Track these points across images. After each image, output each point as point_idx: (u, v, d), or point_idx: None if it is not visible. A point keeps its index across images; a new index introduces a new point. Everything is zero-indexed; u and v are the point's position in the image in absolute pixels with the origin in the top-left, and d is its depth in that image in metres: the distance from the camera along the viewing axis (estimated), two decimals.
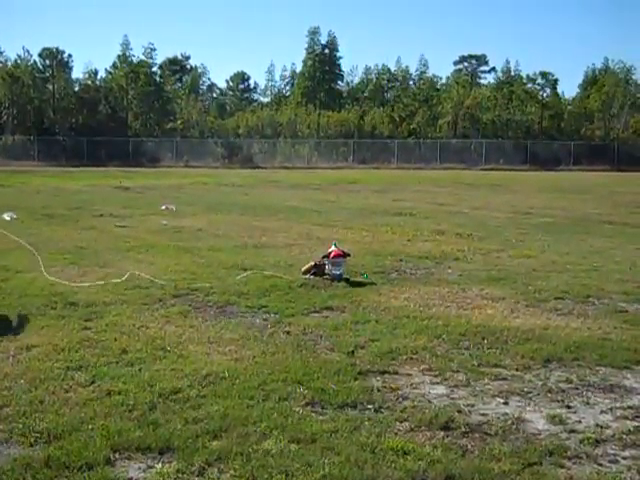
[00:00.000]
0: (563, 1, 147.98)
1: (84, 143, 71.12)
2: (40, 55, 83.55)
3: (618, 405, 5.83)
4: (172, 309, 8.88)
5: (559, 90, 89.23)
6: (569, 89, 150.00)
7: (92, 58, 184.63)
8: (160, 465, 4.64)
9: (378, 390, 6.05)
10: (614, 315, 8.82)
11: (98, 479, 4.40)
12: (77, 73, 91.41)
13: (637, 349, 7.28)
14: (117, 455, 4.77)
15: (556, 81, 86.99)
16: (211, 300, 9.41)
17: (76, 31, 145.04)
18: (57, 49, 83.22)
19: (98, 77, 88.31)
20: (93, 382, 6.09)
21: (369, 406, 5.69)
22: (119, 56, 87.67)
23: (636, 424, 5.43)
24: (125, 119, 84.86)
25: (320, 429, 5.19)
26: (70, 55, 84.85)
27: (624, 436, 5.20)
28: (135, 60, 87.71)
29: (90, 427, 5.14)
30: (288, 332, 7.88)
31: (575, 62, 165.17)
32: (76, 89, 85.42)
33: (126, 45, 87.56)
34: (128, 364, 6.60)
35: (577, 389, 6.20)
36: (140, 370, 6.41)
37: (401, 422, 5.40)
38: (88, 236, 15.67)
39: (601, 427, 5.37)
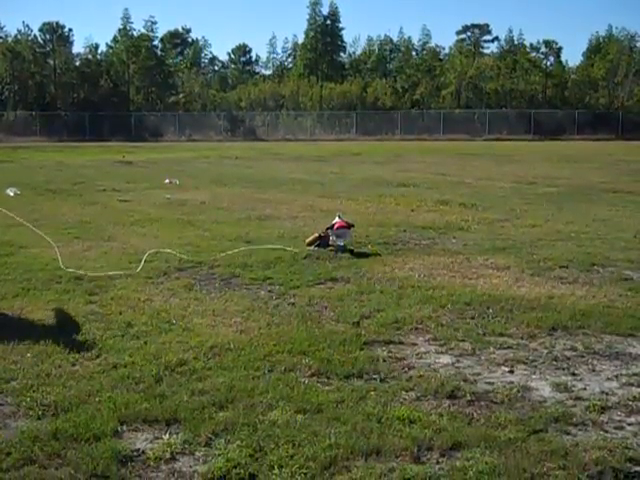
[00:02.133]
0: None
1: (86, 118, 70.99)
2: (40, 30, 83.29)
3: (623, 372, 5.83)
4: (177, 282, 8.88)
5: (563, 59, 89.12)
6: (573, 57, 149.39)
7: (93, 32, 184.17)
8: (167, 436, 4.66)
9: (384, 360, 6.05)
10: (619, 283, 8.80)
11: (105, 451, 4.42)
12: (78, 48, 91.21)
13: None
14: (124, 427, 4.78)
15: (560, 49, 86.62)
16: (216, 272, 9.41)
17: (76, 5, 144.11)
18: (57, 23, 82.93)
19: (99, 51, 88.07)
20: (99, 355, 6.11)
21: (375, 376, 5.70)
22: (120, 30, 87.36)
23: None
24: (127, 93, 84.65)
25: (326, 399, 5.20)
26: (70, 30, 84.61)
27: (629, 402, 5.20)
28: (136, 34, 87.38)
29: (97, 400, 5.16)
30: (293, 303, 7.89)
31: (579, 30, 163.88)
32: (77, 64, 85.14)
33: (127, 19, 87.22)
34: (134, 337, 6.61)
35: (582, 357, 6.20)
36: (146, 343, 6.42)
37: (407, 391, 5.41)
38: (92, 211, 15.68)
39: (606, 394, 5.37)
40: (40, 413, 4.97)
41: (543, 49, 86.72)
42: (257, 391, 5.34)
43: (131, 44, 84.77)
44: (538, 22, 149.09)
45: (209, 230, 12.88)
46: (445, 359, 6.16)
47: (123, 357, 6.04)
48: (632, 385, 5.56)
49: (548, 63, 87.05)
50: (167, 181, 22.32)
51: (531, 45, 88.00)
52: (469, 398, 5.28)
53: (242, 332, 6.79)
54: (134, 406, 5.05)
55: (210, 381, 5.53)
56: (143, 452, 4.47)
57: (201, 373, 5.70)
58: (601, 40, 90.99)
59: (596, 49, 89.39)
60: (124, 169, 29.74)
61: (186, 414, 4.93)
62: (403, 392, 5.39)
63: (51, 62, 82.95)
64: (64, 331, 6.79)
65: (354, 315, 7.33)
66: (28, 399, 5.18)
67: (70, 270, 9.32)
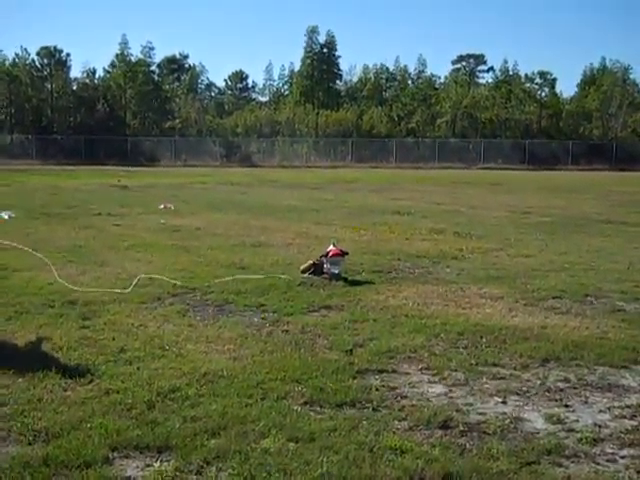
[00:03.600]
0: (561, 1, 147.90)
1: (82, 142, 71.19)
2: (38, 54, 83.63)
3: (616, 404, 5.84)
4: (170, 308, 8.88)
5: (557, 89, 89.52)
6: (567, 88, 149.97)
7: (90, 57, 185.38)
8: (158, 464, 4.64)
9: (376, 389, 6.04)
10: (612, 314, 8.82)
11: (96, 478, 4.40)
12: (75, 72, 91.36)
13: (635, 348, 7.28)
14: (115, 454, 4.76)
15: (554, 80, 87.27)
16: (209, 299, 9.41)
17: (74, 30, 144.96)
18: (55, 48, 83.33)
19: (96, 76, 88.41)
20: (91, 381, 6.08)
21: (367, 405, 5.69)
22: (117, 55, 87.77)
23: (634, 423, 5.43)
24: (123, 118, 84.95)
25: (318, 428, 5.19)
26: (68, 54, 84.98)
27: (622, 435, 5.20)
28: (133, 59, 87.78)
29: (88, 426, 5.14)
30: (286, 331, 7.89)
31: (573, 61, 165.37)
32: (74, 88, 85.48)
33: (124, 44, 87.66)
34: (126, 363, 6.60)
35: (575, 388, 6.20)
36: (138, 369, 6.41)
37: (399, 421, 5.40)
38: (86, 235, 15.66)
39: (599, 426, 5.37)
40: (31, 439, 4.94)
41: (538, 80, 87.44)
42: (249, 419, 5.33)
43: (128, 69, 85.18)
44: (533, 53, 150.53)
45: (203, 256, 12.88)
46: (438, 389, 6.15)
47: (115, 383, 6.02)
48: (625, 417, 5.56)
49: (543, 94, 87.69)
50: (162, 206, 22.34)
51: (526, 76, 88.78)
52: (461, 428, 5.28)
53: (235, 359, 6.78)
54: (126, 433, 5.03)
55: (202, 408, 5.51)
56: None
57: (194, 400, 5.69)
58: (595, 72, 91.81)
59: (590, 80, 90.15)
60: (119, 193, 29.77)
61: (178, 441, 4.91)
62: (395, 421, 5.39)
63: (48, 86, 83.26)
64: (56, 356, 6.76)
65: (347, 343, 7.33)
66: (19, 424, 5.15)
67: (61, 281, 9.34)
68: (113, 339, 7.37)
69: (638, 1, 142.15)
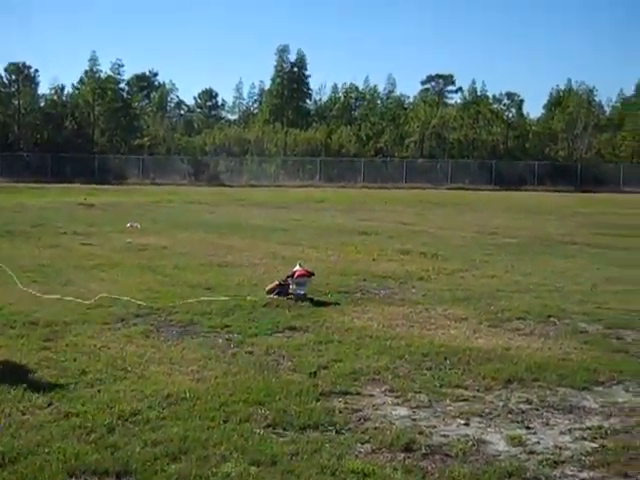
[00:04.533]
0: (527, 23, 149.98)
1: (49, 159, 70.49)
2: (6, 70, 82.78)
3: (577, 426, 5.88)
4: (134, 329, 8.81)
5: (524, 111, 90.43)
6: (534, 110, 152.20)
7: (59, 74, 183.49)
8: None
9: (340, 411, 6.04)
10: (575, 336, 8.90)
11: None
12: (43, 89, 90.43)
13: (597, 370, 7.35)
14: (73, 479, 4.70)
15: (521, 102, 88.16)
16: (174, 319, 9.35)
17: (43, 46, 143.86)
18: (24, 64, 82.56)
19: (65, 93, 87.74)
20: (51, 404, 6.01)
21: (330, 428, 5.67)
22: (86, 71, 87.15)
23: (594, 445, 5.47)
24: (91, 135, 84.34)
25: (281, 451, 5.16)
26: (37, 70, 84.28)
27: (582, 457, 5.24)
28: (103, 76, 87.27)
29: (46, 450, 5.07)
30: (251, 352, 7.86)
31: (540, 83, 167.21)
32: (42, 104, 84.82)
33: (94, 61, 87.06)
34: (87, 385, 6.52)
35: (537, 410, 6.24)
36: (99, 391, 6.34)
37: (362, 444, 5.39)
38: (51, 254, 15.51)
39: (560, 448, 5.41)
40: None
41: (505, 101, 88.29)
42: (211, 442, 5.29)
43: (97, 86, 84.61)
44: (500, 74, 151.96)
45: (169, 276, 12.82)
46: (401, 411, 6.16)
47: (75, 406, 5.94)
48: (585, 439, 5.59)
49: (510, 115, 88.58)
50: (129, 225, 22.19)
51: (494, 97, 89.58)
52: (424, 451, 5.28)
53: (198, 381, 6.74)
54: (84, 457, 4.97)
55: (164, 431, 5.47)
56: None
57: (155, 423, 5.63)
58: (561, 93, 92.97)
59: (556, 102, 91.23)
60: (86, 212, 29.52)
61: (138, 466, 4.86)
62: (358, 444, 5.38)
63: (15, 102, 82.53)
64: (16, 378, 6.66)
65: (312, 365, 7.31)
66: None
67: (25, 289, 9.22)
68: (74, 361, 7.29)
69: (604, 23, 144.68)
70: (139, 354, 7.63)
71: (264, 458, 5.04)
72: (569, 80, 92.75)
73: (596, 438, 5.62)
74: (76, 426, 5.51)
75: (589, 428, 5.83)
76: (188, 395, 6.26)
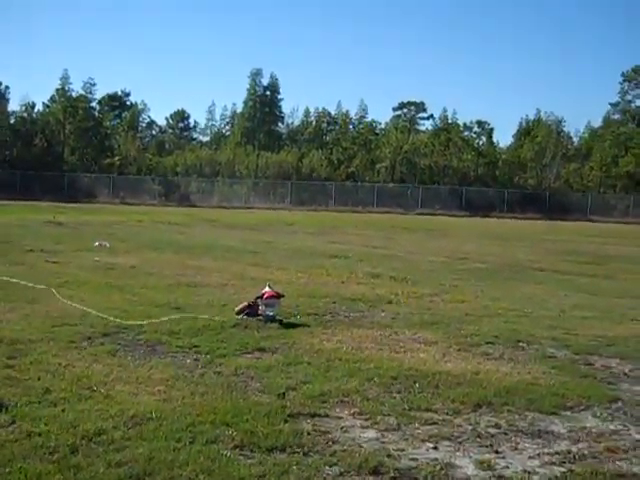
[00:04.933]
0: (498, 53, 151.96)
1: (17, 176, 69.85)
2: None
3: (545, 450, 5.87)
4: (100, 347, 8.68)
5: (494, 139, 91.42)
6: (504, 138, 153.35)
7: (30, 91, 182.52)
8: None
9: (308, 433, 5.98)
10: (543, 360, 8.92)
11: None
12: (14, 105, 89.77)
13: (565, 395, 7.36)
14: None
15: (492, 130, 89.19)
16: (141, 339, 9.24)
17: (14, 63, 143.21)
18: None
19: (35, 110, 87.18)
20: (13, 422, 5.88)
21: (298, 450, 5.61)
22: (58, 90, 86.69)
23: (563, 470, 5.46)
24: (61, 153, 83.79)
25: (248, 473, 5.09)
26: (7, 87, 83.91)
27: None
28: (74, 94, 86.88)
29: (7, 470, 4.95)
30: (219, 373, 7.78)
31: (510, 112, 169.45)
32: (12, 121, 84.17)
33: (65, 79, 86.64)
34: (51, 404, 6.40)
35: (506, 434, 6.22)
36: (63, 410, 6.22)
37: (330, 466, 5.34)
38: (17, 271, 15.27)
39: (528, 473, 5.39)
40: None
41: (476, 129, 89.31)
42: (177, 463, 5.21)
43: (68, 104, 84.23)
44: (471, 103, 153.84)
45: (137, 295, 12.69)
46: (370, 434, 6.11)
47: (38, 425, 5.82)
48: (554, 464, 5.59)
49: (480, 142, 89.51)
50: (97, 244, 21.97)
51: (464, 124, 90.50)
52: (392, 474, 5.25)
53: (165, 401, 6.64)
54: (47, 477, 4.87)
55: (129, 452, 5.37)
56: None
57: (120, 443, 5.53)
58: (530, 123, 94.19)
59: (526, 131, 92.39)
60: (54, 230, 29.22)
61: None
62: (326, 467, 5.32)
63: None
64: None
65: (280, 386, 7.25)
66: None
67: None
68: (38, 379, 7.16)
69: (572, 53, 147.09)
70: (105, 373, 7.52)
71: None
72: (538, 110, 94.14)
73: (564, 463, 5.62)
74: (39, 446, 5.40)
75: (557, 453, 5.83)
76: (154, 415, 6.16)
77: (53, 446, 5.40)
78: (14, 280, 13.65)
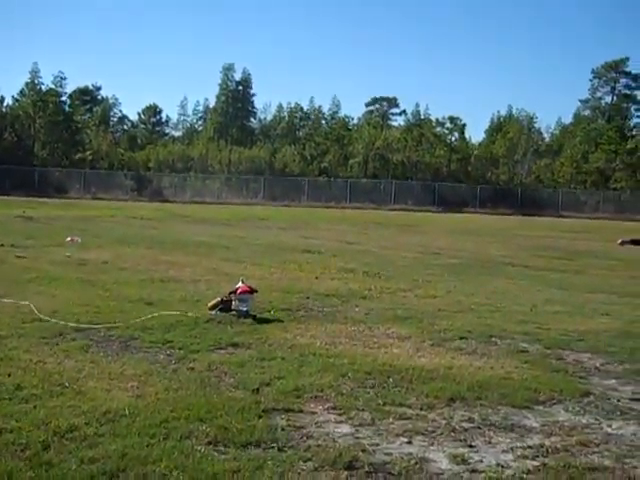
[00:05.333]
0: (471, 48, 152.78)
1: None
2: None
3: (518, 444, 5.90)
4: (72, 343, 8.60)
5: (466, 135, 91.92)
6: (476, 134, 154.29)
7: None
8: None
9: (282, 429, 5.96)
10: (516, 355, 8.98)
11: None
12: None
13: (537, 389, 7.41)
14: None
15: (464, 126, 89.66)
16: (114, 334, 9.17)
17: None
18: None
19: (4, 104, 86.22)
20: None
21: (273, 445, 5.60)
22: (27, 83, 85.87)
23: (536, 463, 5.49)
24: (32, 148, 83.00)
25: (222, 469, 5.07)
26: None
27: (524, 475, 5.25)
28: (44, 88, 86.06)
29: None
30: (192, 368, 7.74)
31: (482, 108, 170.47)
32: None
33: (35, 73, 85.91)
34: (22, 401, 6.33)
35: (479, 428, 6.25)
36: (35, 407, 6.15)
37: (305, 461, 5.33)
38: None
39: (502, 466, 5.41)
40: None
41: (448, 124, 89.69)
42: (150, 459, 5.17)
43: (38, 98, 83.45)
44: (444, 98, 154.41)
45: (110, 290, 12.59)
46: (344, 429, 6.11)
47: (9, 422, 5.75)
48: (527, 458, 5.62)
49: (453, 138, 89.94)
50: (69, 239, 21.78)
51: (437, 120, 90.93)
52: (367, 469, 5.24)
53: (138, 397, 6.59)
54: (18, 474, 4.81)
55: (102, 448, 5.32)
56: None
57: (92, 440, 5.49)
58: (502, 119, 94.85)
59: (497, 127, 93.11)
60: (24, 225, 28.95)
61: None
62: (301, 462, 5.31)
63: None
64: None
65: (254, 382, 7.23)
66: None
67: None
68: (9, 375, 7.07)
69: (543, 50, 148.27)
70: (77, 369, 7.45)
71: (205, 476, 4.94)
72: (510, 107, 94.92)
73: (537, 456, 5.65)
74: (10, 442, 5.34)
75: (530, 447, 5.86)
76: (127, 411, 6.12)
77: (25, 443, 5.34)
78: None
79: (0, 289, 12.19)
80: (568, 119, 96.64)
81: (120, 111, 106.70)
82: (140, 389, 6.85)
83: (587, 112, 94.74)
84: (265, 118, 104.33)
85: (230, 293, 10.95)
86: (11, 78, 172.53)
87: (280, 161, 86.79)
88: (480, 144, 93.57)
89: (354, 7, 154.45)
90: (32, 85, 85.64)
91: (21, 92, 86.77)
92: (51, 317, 9.87)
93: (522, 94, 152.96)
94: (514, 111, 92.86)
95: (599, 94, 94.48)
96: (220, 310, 10.70)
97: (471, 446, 5.83)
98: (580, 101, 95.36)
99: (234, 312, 10.66)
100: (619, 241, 15.08)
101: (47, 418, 5.86)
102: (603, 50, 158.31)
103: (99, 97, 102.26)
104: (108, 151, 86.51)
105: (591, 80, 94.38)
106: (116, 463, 5.06)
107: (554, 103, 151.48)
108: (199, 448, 5.44)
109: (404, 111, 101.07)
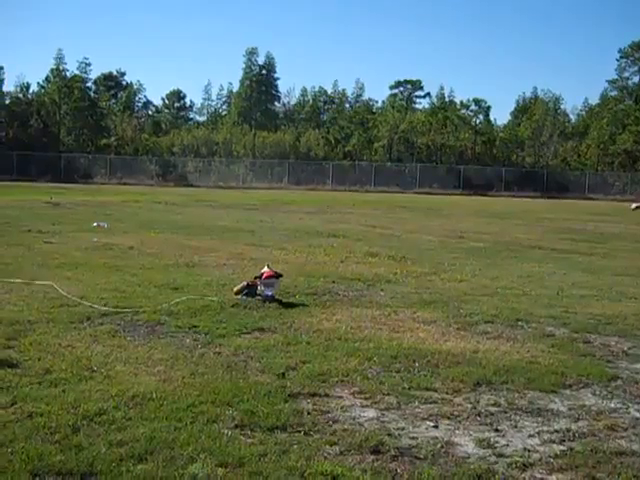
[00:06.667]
0: (495, 31, 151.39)
1: (14, 157, 69.69)
2: None
3: (545, 429, 5.88)
4: (100, 328, 8.68)
5: (491, 117, 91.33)
6: (501, 116, 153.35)
7: (24, 71, 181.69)
8: None
9: (308, 413, 5.99)
10: (542, 339, 8.93)
11: None
12: (9, 86, 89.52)
13: (564, 373, 7.38)
14: (37, 479, 4.60)
15: (489, 108, 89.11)
16: (141, 319, 9.24)
17: (8, 43, 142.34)
18: None
19: (30, 91, 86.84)
20: (14, 403, 5.89)
21: (299, 429, 5.62)
22: (52, 70, 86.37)
23: (562, 448, 5.48)
24: (57, 134, 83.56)
25: (248, 452, 5.10)
26: (1, 67, 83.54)
27: (551, 460, 5.24)
28: (69, 75, 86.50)
29: (9, 450, 4.96)
30: (218, 353, 7.78)
31: (507, 90, 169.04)
32: (7, 102, 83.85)
33: (60, 59, 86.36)
34: (52, 385, 6.41)
35: (505, 412, 6.24)
36: (64, 391, 6.22)
37: (331, 445, 5.35)
38: (15, 252, 15.27)
39: (529, 451, 5.41)
40: None
41: (473, 107, 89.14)
42: (178, 443, 5.22)
43: (64, 84, 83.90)
44: (468, 81, 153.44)
45: (136, 275, 12.67)
46: (370, 413, 6.12)
47: (39, 405, 5.83)
48: (553, 442, 5.60)
49: (477, 121, 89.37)
50: (95, 224, 21.96)
51: (461, 102, 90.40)
52: (393, 453, 5.25)
53: (165, 381, 6.65)
54: (48, 457, 4.87)
55: (130, 432, 5.38)
56: None
57: (120, 423, 5.54)
58: (527, 101, 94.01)
59: (523, 109, 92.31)
60: (51, 211, 29.17)
61: (103, 467, 4.78)
62: (327, 446, 5.33)
63: None
64: None
65: (280, 366, 7.26)
66: None
67: None
68: (39, 360, 7.17)
69: (569, 30, 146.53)
70: (105, 353, 7.53)
71: (232, 459, 4.98)
72: (535, 88, 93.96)
73: (564, 441, 5.63)
74: (40, 426, 5.41)
75: (557, 431, 5.84)
76: (155, 395, 6.17)
77: (54, 426, 5.41)
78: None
79: (29, 274, 12.32)
80: (595, 100, 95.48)
81: (144, 96, 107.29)
82: (167, 373, 6.91)
83: (614, 93, 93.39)
84: (289, 102, 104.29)
85: (256, 277, 10.98)
86: (37, 65, 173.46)
87: (304, 145, 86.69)
88: (505, 126, 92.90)
89: None
90: (57, 72, 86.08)
91: (46, 79, 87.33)
92: (79, 301, 9.96)
93: (548, 75, 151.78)
94: (540, 92, 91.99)
95: (626, 74, 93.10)
96: (246, 295, 10.74)
97: (497, 430, 5.82)
98: (607, 81, 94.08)
99: (259, 297, 10.70)
100: (633, 206, 14.92)
101: (76, 402, 5.93)
102: (631, 29, 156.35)
103: (123, 83, 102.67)
104: (133, 136, 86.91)
105: (618, 60, 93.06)
106: (144, 446, 5.11)
107: (581, 84, 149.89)
108: (226, 432, 5.48)
109: (428, 94, 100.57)
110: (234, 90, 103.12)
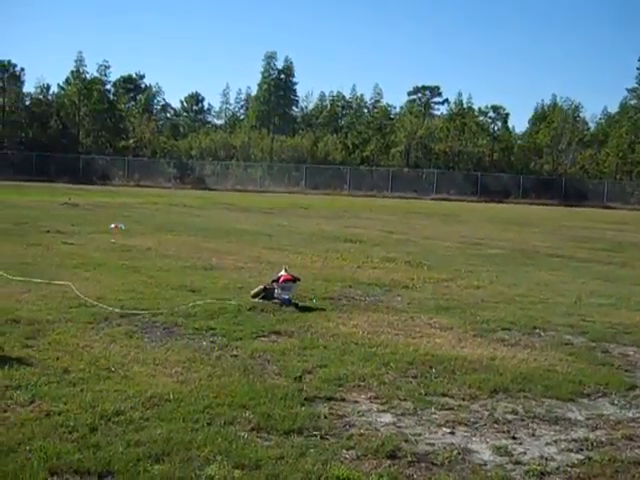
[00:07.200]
0: (515, 38, 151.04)
1: (33, 158, 70.18)
2: None
3: (563, 437, 5.86)
4: (118, 329, 8.72)
5: (510, 124, 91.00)
6: (519, 123, 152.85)
7: (45, 73, 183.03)
8: None
9: (325, 417, 5.99)
10: (560, 347, 8.89)
11: None
12: (29, 87, 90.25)
13: (582, 381, 7.34)
14: (55, 478, 4.64)
15: (507, 115, 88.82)
16: (158, 321, 9.27)
17: (29, 45, 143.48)
18: (9, 62, 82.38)
19: (50, 92, 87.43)
20: (33, 402, 5.93)
21: (315, 433, 5.63)
22: (72, 72, 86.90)
23: (580, 457, 5.45)
24: (76, 135, 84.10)
25: (265, 455, 5.11)
26: (22, 69, 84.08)
27: (568, 469, 5.22)
28: (89, 77, 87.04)
29: (28, 448, 4.99)
30: (235, 355, 7.79)
31: (525, 97, 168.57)
32: (27, 103, 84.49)
33: (80, 61, 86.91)
34: (70, 384, 6.44)
35: (523, 420, 6.21)
36: (82, 390, 6.26)
37: (347, 450, 5.35)
38: (34, 252, 15.36)
39: (546, 459, 5.38)
40: None
41: (491, 114, 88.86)
42: (195, 444, 5.23)
43: (83, 87, 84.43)
44: (487, 87, 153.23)
45: (153, 277, 12.72)
46: (386, 418, 6.12)
47: (57, 404, 5.87)
48: (571, 451, 5.57)
49: (495, 128, 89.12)
50: (113, 226, 22.05)
51: (479, 109, 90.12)
52: (409, 459, 5.24)
53: (182, 383, 6.67)
54: (66, 456, 4.89)
55: (147, 432, 5.40)
56: None
57: (138, 424, 5.57)
58: (546, 108, 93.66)
59: (541, 117, 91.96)
60: (70, 211, 29.33)
61: (120, 466, 4.80)
62: (343, 450, 5.33)
63: (0, 100, 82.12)
64: None
65: (296, 370, 7.26)
66: None
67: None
68: (57, 359, 7.21)
69: (589, 38, 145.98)
70: (122, 354, 7.56)
71: (248, 462, 4.99)
72: (554, 95, 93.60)
73: (582, 450, 5.60)
74: (58, 425, 5.44)
75: (575, 440, 5.81)
76: (172, 396, 6.20)
77: (72, 425, 5.44)
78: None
79: (47, 274, 12.39)
80: (614, 108, 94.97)
81: (163, 99, 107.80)
82: (184, 375, 6.93)
83: (634, 101, 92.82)
84: (307, 106, 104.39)
85: (273, 281, 10.99)
86: (56, 66, 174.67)
87: (322, 150, 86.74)
88: (524, 133, 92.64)
89: None
90: (77, 74, 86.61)
91: (66, 81, 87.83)
92: (97, 302, 10.01)
93: (567, 83, 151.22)
94: (559, 100, 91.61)
95: None
96: (263, 298, 10.76)
97: (514, 438, 5.80)
98: (627, 90, 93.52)
99: (276, 300, 10.71)
100: None
101: (94, 401, 5.96)
102: None
103: (142, 85, 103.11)
104: (151, 139, 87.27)
105: (638, 68, 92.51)
106: (161, 447, 5.13)
107: (600, 92, 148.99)
108: (242, 434, 5.48)
109: (446, 100, 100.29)
110: (252, 94, 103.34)
